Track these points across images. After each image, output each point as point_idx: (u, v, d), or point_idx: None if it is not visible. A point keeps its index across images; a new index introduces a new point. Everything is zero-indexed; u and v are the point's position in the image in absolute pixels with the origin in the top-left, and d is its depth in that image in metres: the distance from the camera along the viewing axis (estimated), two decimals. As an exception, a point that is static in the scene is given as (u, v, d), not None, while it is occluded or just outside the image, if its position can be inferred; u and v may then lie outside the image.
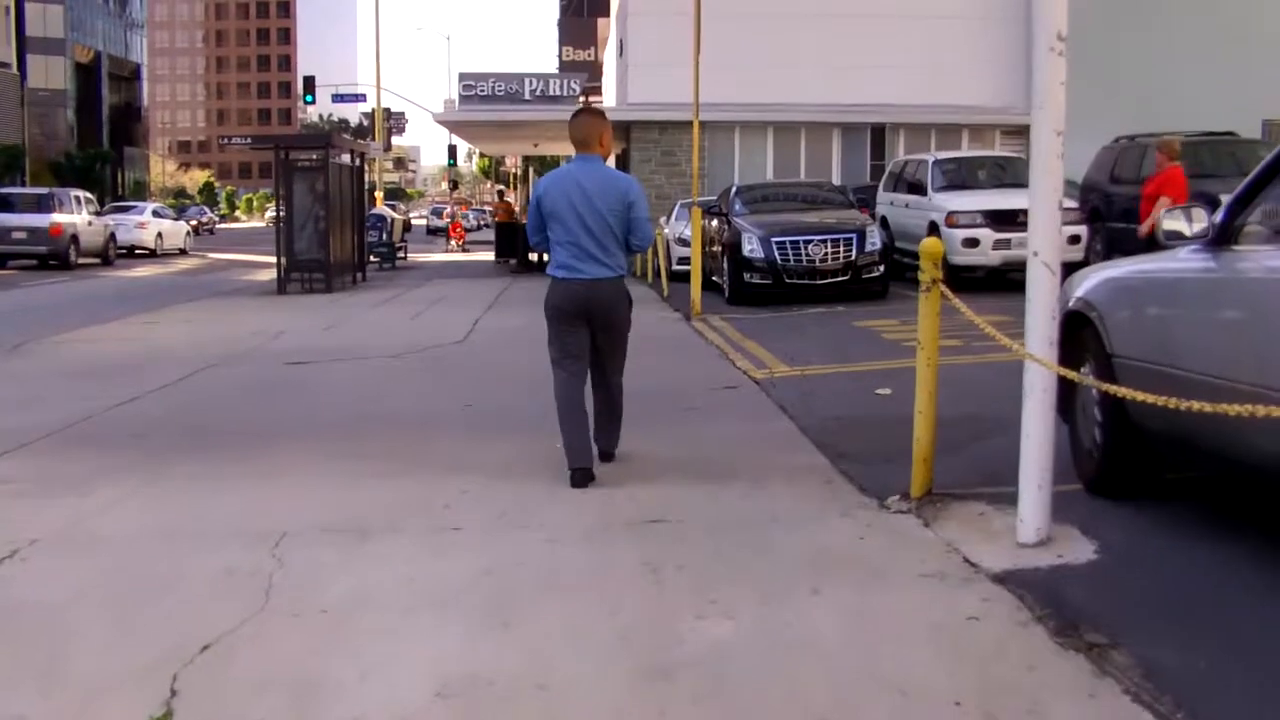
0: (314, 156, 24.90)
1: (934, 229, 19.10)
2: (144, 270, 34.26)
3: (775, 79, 29.80)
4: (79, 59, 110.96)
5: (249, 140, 29.78)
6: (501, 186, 54.05)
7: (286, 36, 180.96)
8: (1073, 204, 18.95)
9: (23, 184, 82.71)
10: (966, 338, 10.50)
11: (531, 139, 37.14)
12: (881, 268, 17.98)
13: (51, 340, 15.12)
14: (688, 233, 24.20)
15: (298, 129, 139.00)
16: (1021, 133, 30.80)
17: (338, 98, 66.70)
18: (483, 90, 29.53)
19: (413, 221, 72.81)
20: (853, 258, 17.70)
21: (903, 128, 31.10)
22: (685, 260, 23.90)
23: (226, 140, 25.76)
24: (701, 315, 16.35)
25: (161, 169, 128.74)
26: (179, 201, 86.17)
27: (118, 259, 37.51)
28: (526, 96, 29.55)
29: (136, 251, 41.21)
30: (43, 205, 33.25)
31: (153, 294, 24.62)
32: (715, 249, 19.37)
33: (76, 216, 34.44)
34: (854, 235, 17.83)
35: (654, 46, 30.48)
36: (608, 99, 43.19)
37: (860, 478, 6.76)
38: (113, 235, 37.27)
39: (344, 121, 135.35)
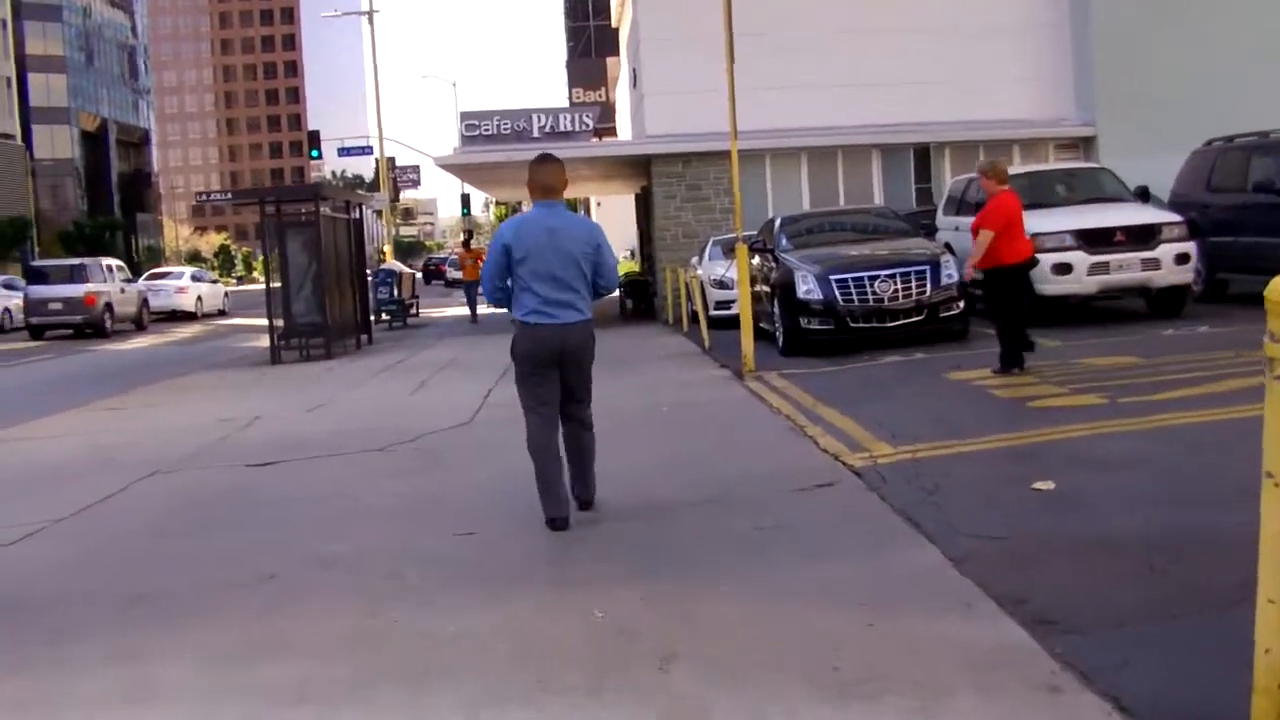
0: (303, 211, 22.40)
1: (1014, 255, 16.43)
2: (142, 341, 31.92)
3: (806, 101, 27.22)
4: (85, 127, 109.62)
5: (229, 195, 27.29)
6: (469, 230, 50.18)
7: (295, 96, 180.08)
8: (1175, 216, 16.27)
9: (33, 256, 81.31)
10: (1122, 383, 7.83)
11: (545, 181, 34.72)
12: (961, 304, 15.29)
13: (-17, 440, 12.69)
14: (724, 274, 21.66)
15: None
16: (1077, 146, 28.22)
17: (344, 151, 64.54)
18: (487, 129, 27.00)
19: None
20: (926, 294, 15.02)
21: (948, 147, 28.44)
22: (724, 305, 21.36)
23: (205, 197, 23.38)
24: (756, 372, 13.67)
25: (175, 234, 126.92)
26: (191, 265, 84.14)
27: (154, 324, 38.43)
28: (535, 134, 27.00)
29: (177, 315, 42.00)
30: (76, 276, 33.99)
31: (140, 369, 22.31)
32: (762, 290, 16.71)
33: (109, 285, 35.12)
34: (926, 268, 15.16)
35: (669, 74, 28.03)
36: (622, 134, 40.76)
37: (1105, 674, 4.05)
38: (145, 301, 38.21)
39: (358, 177, 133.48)
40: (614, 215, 79.98)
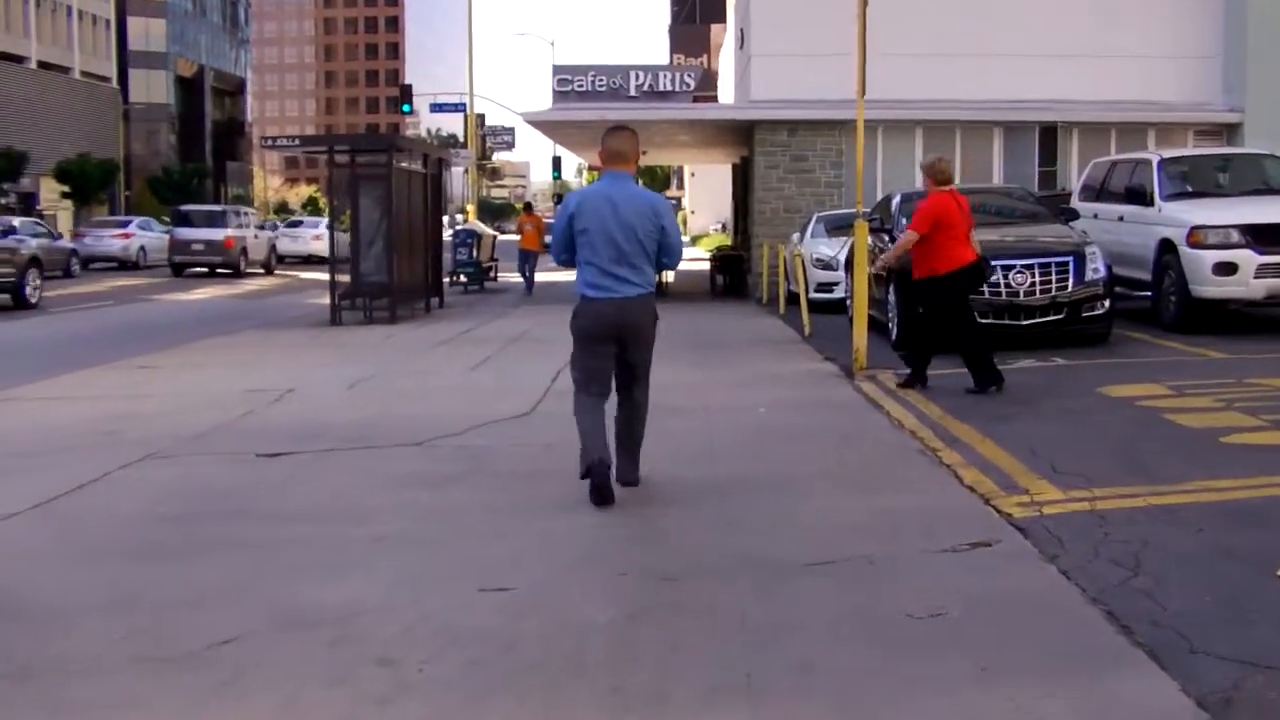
0: (377, 163, 20.69)
1: (1166, 249, 14.34)
2: (209, 291, 30.50)
3: (924, 71, 25.02)
4: (182, 73, 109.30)
5: (297, 140, 25.74)
6: (522, 191, 49.32)
7: (395, 51, 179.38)
8: None
9: (121, 199, 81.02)
10: None
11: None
12: (1106, 303, 13.24)
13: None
14: (831, 253, 19.72)
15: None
16: (1220, 133, 25.79)
17: (436, 107, 62.83)
18: (580, 86, 25.25)
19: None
20: (1068, 289, 12.99)
21: (1076, 128, 26.15)
22: (826, 287, 19.42)
23: (270, 142, 21.84)
24: (868, 370, 11.74)
25: (264, 184, 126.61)
26: (272, 216, 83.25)
27: (290, 267, 41.68)
28: (632, 92, 25.21)
29: (312, 259, 42.97)
30: (216, 221, 38.07)
31: (195, 323, 20.85)
32: (873, 275, 14.71)
33: (246, 231, 38.93)
34: (1069, 259, 13.11)
35: (781, 35, 25.99)
36: (724, 98, 38.74)
37: None
38: (274, 247, 41.29)
39: (452, 136, 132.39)
40: (707, 186, 78.16)
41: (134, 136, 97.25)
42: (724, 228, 69.39)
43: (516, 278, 28.18)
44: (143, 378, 13.12)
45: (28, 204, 64.13)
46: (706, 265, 30.89)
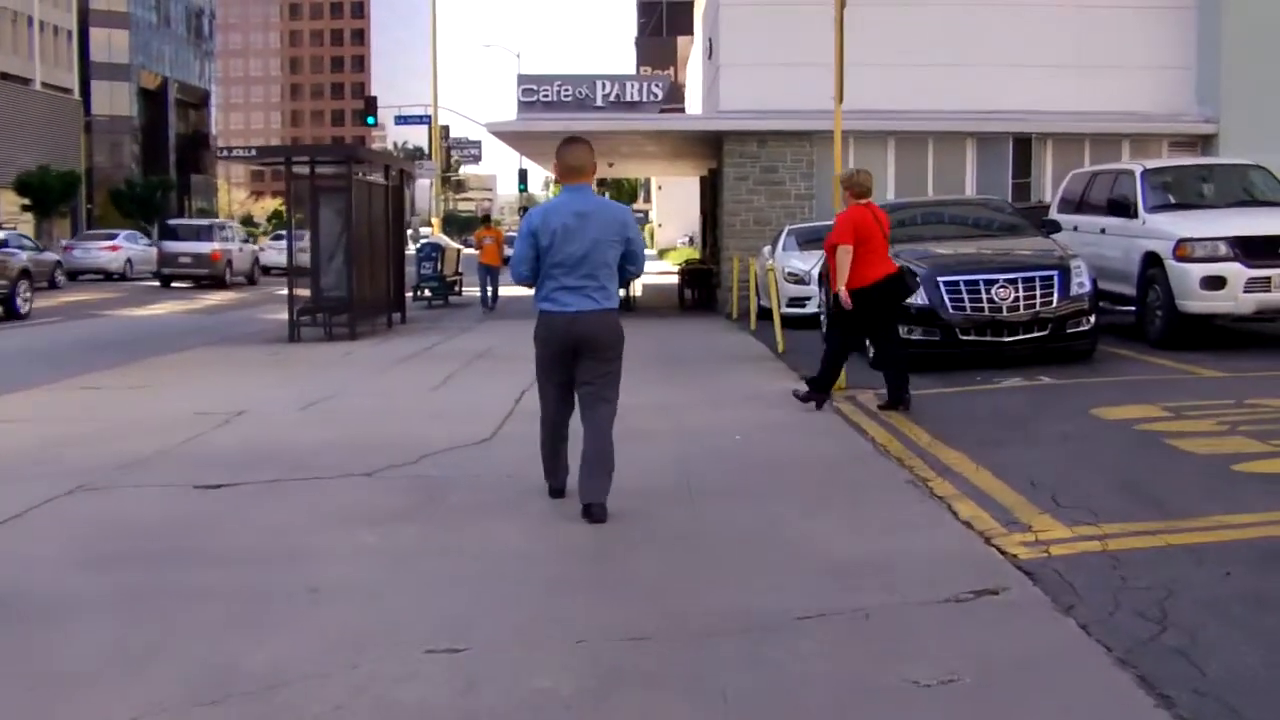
0: (335, 174, 20.06)
1: (1151, 263, 13.86)
2: (166, 306, 29.72)
3: (896, 81, 24.54)
4: (145, 85, 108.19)
5: (254, 151, 24.98)
6: (488, 204, 49.69)
7: (361, 64, 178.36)
8: None
9: (84, 212, 79.87)
10: None
11: (605, 156, 32.04)
12: (1092, 319, 12.74)
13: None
14: (801, 266, 19.21)
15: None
16: (1195, 145, 25.41)
17: (401, 119, 62.20)
18: (546, 96, 24.62)
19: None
20: (1053, 305, 12.46)
21: (1050, 138, 25.72)
22: (798, 302, 18.90)
23: (226, 152, 21.10)
24: (847, 390, 11.18)
25: (228, 197, 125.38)
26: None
27: (266, 279, 42.69)
28: (598, 103, 24.61)
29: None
30: (203, 235, 39.74)
31: (150, 339, 20.18)
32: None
33: (231, 244, 40.87)
34: (1054, 273, 12.60)
35: (750, 44, 25.48)
36: (692, 110, 38.21)
37: None
38: (257, 260, 43.59)
39: (418, 149, 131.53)
40: (675, 199, 77.69)
41: (97, 149, 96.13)
42: (691, 241, 68.90)
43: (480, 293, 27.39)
44: (84, 399, 12.47)
45: (-16, 218, 63.02)
46: (675, 279, 30.34)
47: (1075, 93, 25.18)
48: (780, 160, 25.07)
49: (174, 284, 38.60)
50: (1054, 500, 6.57)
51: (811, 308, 18.84)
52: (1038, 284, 12.46)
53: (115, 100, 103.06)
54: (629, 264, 6.83)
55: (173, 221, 46.67)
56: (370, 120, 58.42)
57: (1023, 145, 25.73)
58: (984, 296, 12.37)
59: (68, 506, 7.29)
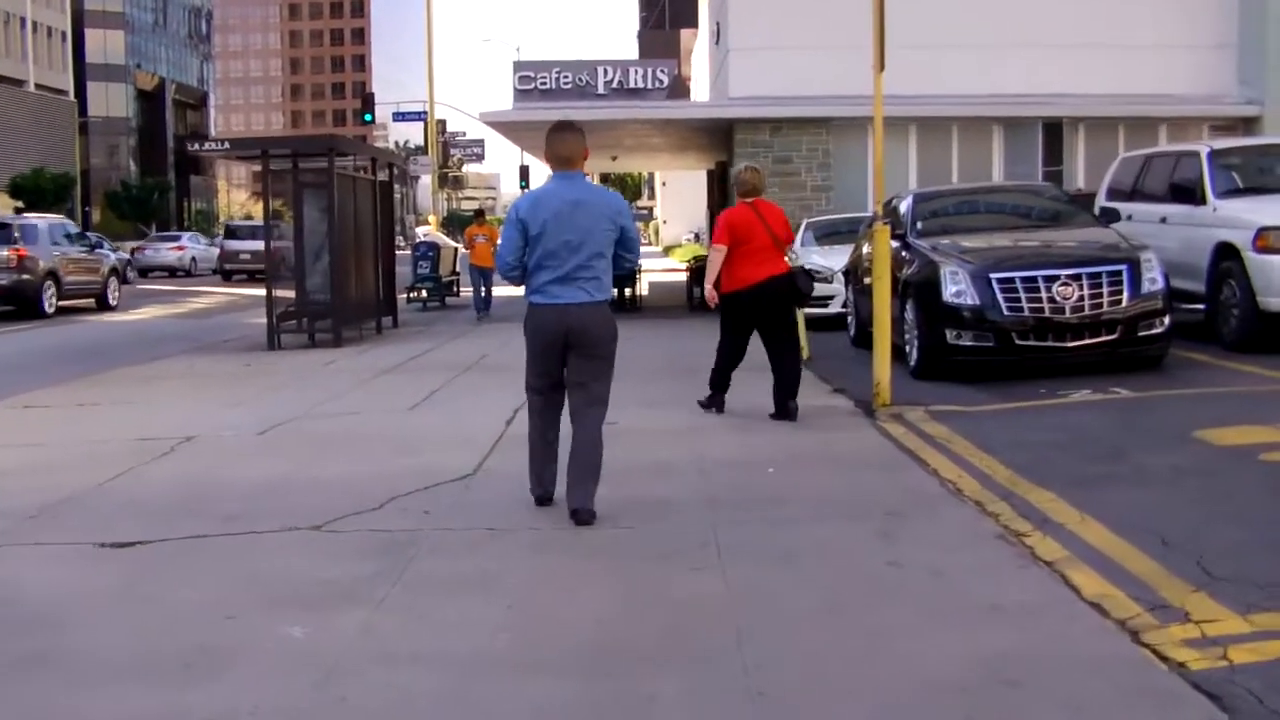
0: (315, 168, 18.51)
1: (1224, 255, 12.28)
2: (150, 311, 28.22)
3: (919, 65, 22.82)
4: (142, 86, 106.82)
5: (226, 144, 23.38)
6: (491, 202, 49.23)
7: (361, 64, 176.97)
8: None
9: (85, 213, 78.46)
10: None
11: (609, 148, 30.40)
12: (1166, 320, 11.15)
13: None
14: (822, 262, 17.66)
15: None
16: (1236, 127, 23.80)
17: (399, 116, 60.91)
18: (544, 83, 23.04)
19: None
20: (1122, 304, 10.87)
21: (1083, 123, 24.15)
22: (820, 301, 17.31)
23: (197, 146, 19.46)
24: (892, 407, 9.59)
25: (227, 199, 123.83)
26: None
27: None
28: (600, 90, 23.02)
29: None
30: (258, 234, 38.39)
31: (121, 347, 18.83)
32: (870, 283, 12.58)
33: (285, 243, 42.33)
34: (1123, 268, 11.00)
35: (760, 26, 23.92)
36: (699, 91, 36.64)
37: None
38: None
39: (420, 147, 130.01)
40: (679, 195, 76.17)
41: (93, 150, 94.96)
42: (697, 237, 67.40)
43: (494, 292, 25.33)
44: (18, 422, 10.96)
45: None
46: (682, 276, 28.78)
47: (1107, 74, 23.61)
48: (794, 149, 23.52)
49: (234, 277, 42.78)
50: (1202, 569, 4.98)
51: (835, 307, 17.31)
52: (1105, 280, 10.88)
53: (111, 102, 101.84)
54: (625, 251, 6.53)
55: (232, 223, 52.27)
56: (368, 118, 57.01)
57: (1053, 131, 24.16)
58: (1044, 295, 10.78)
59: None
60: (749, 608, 4.81)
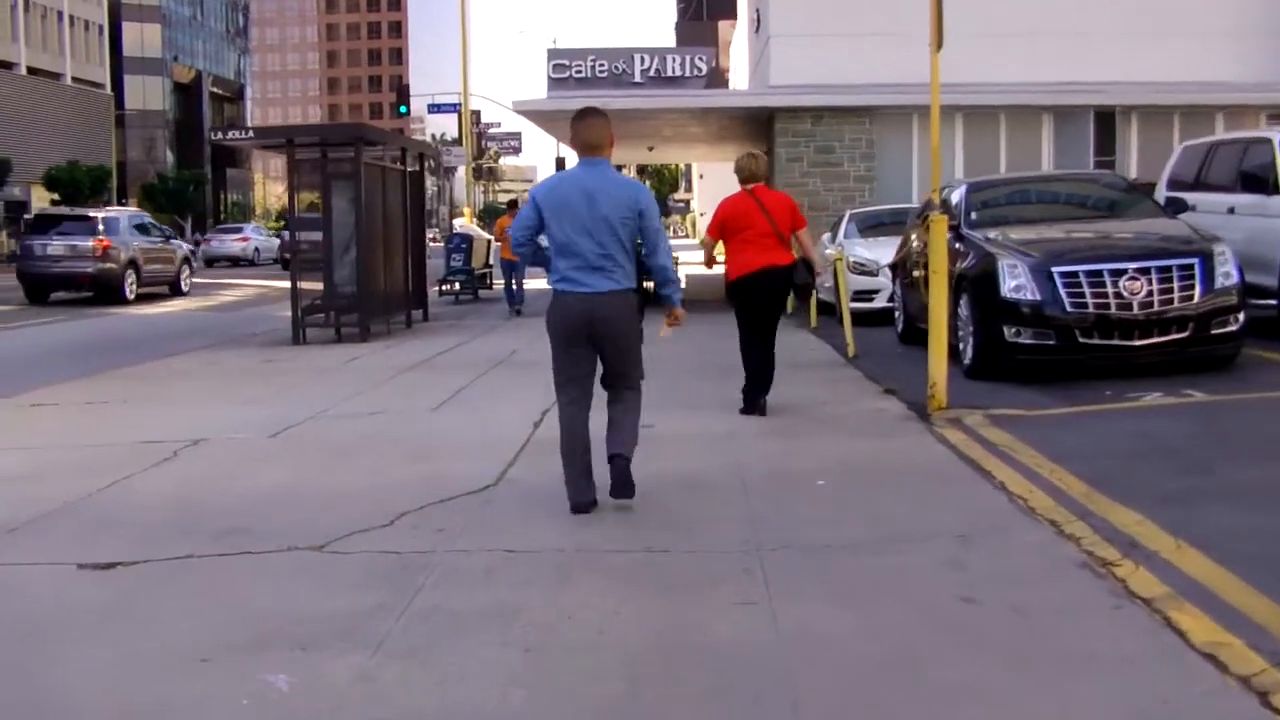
0: (341, 157, 17.93)
1: (1301, 248, 11.53)
2: (179, 305, 27.83)
3: (966, 53, 21.99)
4: (179, 79, 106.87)
5: (250, 133, 22.80)
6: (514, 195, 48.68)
7: (399, 57, 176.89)
8: None
9: (121, 206, 78.49)
10: None
11: (645, 138, 29.72)
12: (1240, 317, 10.41)
13: None
14: (867, 255, 16.97)
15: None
16: (1295, 116, 22.94)
17: (434, 108, 60.35)
18: (579, 72, 22.42)
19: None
20: (1194, 300, 10.14)
21: (1135, 111, 23.37)
22: (864, 295, 16.69)
23: (220, 134, 18.85)
24: (949, 411, 8.90)
25: (263, 191, 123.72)
26: (264, 224, 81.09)
27: None
28: (637, 78, 22.36)
29: None
30: (318, 224, 43.14)
31: (147, 341, 18.46)
32: (923, 277, 11.88)
33: (316, 233, 44.21)
34: (1195, 261, 10.27)
35: (802, 13, 23.32)
36: (738, 83, 35.93)
37: None
38: None
39: (457, 141, 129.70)
40: (718, 187, 75.40)
41: (130, 143, 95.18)
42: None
43: (528, 284, 24.61)
44: (21, 421, 10.42)
45: (17, 213, 61.88)
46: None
47: (1161, 62, 22.83)
48: (837, 139, 22.84)
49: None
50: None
51: (881, 301, 16.63)
52: (1175, 274, 10.14)
53: (148, 95, 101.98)
54: (652, 254, 6.45)
55: (297, 215, 56.63)
56: (403, 110, 56.72)
57: (1105, 120, 23.38)
58: (1110, 290, 10.06)
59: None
60: (804, 660, 4.12)
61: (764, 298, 9.35)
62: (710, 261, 10.02)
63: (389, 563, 5.47)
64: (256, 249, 54.90)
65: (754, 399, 9.37)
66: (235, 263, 53.08)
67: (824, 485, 6.82)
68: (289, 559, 5.63)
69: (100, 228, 27.79)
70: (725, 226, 9.40)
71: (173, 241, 32.80)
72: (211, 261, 52.01)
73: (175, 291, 30.81)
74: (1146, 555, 5.08)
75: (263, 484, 7.37)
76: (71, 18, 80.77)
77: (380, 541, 5.83)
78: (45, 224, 29.16)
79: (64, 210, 39.15)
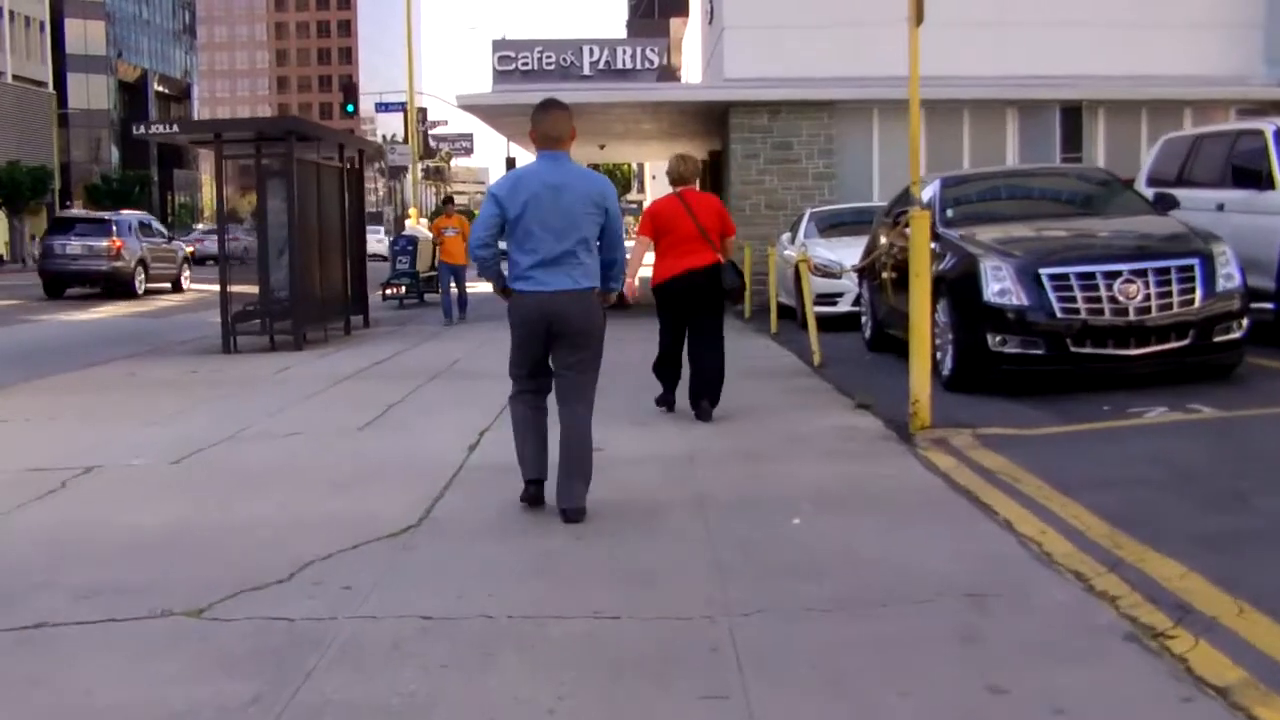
0: (273, 153, 16.85)
1: (1300, 247, 10.71)
2: (110, 310, 26.61)
3: (928, 45, 21.37)
4: (124, 77, 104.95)
5: (174, 126, 21.59)
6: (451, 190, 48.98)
7: (348, 56, 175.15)
8: None
9: (65, 207, 76.67)
10: None
11: (596, 135, 28.68)
12: (1244, 322, 9.55)
13: None
14: (829, 255, 16.08)
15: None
16: (1265, 111, 22.23)
17: (381, 106, 59.37)
18: (525, 64, 21.47)
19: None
20: (1195, 304, 9.28)
21: (1103, 106, 22.62)
22: (828, 298, 15.81)
23: (141, 129, 17.79)
24: (933, 429, 7.97)
25: (211, 192, 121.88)
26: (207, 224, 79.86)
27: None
28: (585, 70, 21.42)
29: (374, 257, 48.42)
30: None
31: (72, 348, 17.16)
32: (890, 278, 10.98)
33: (373, 237, 46.50)
34: (1195, 262, 9.40)
35: (758, 2, 22.36)
36: (690, 79, 35.00)
37: None
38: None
39: (405, 139, 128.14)
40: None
41: (73, 143, 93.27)
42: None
43: (473, 288, 23.32)
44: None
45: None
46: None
47: (1127, 55, 22.17)
48: (795, 134, 21.94)
49: None
50: None
51: (845, 305, 15.75)
52: (1174, 276, 9.28)
53: (92, 93, 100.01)
54: (610, 248, 6.22)
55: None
56: (350, 108, 55.40)
57: (1071, 115, 22.61)
58: (1103, 294, 9.19)
59: None
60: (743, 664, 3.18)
61: (686, 302, 9.12)
62: (637, 264, 9.48)
63: (278, 635, 4.47)
64: (245, 248, 54.62)
65: (666, 398, 9.43)
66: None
67: (799, 524, 5.86)
68: (159, 628, 4.62)
69: (113, 230, 30.46)
70: (655, 229, 9.20)
71: (175, 242, 35.35)
72: (201, 261, 51.70)
73: (176, 288, 33.10)
74: (1205, 624, 4.14)
75: (150, 524, 6.35)
76: (12, 13, 78.89)
77: (273, 604, 4.83)
78: (64, 225, 32.16)
79: (81, 213, 43.33)
